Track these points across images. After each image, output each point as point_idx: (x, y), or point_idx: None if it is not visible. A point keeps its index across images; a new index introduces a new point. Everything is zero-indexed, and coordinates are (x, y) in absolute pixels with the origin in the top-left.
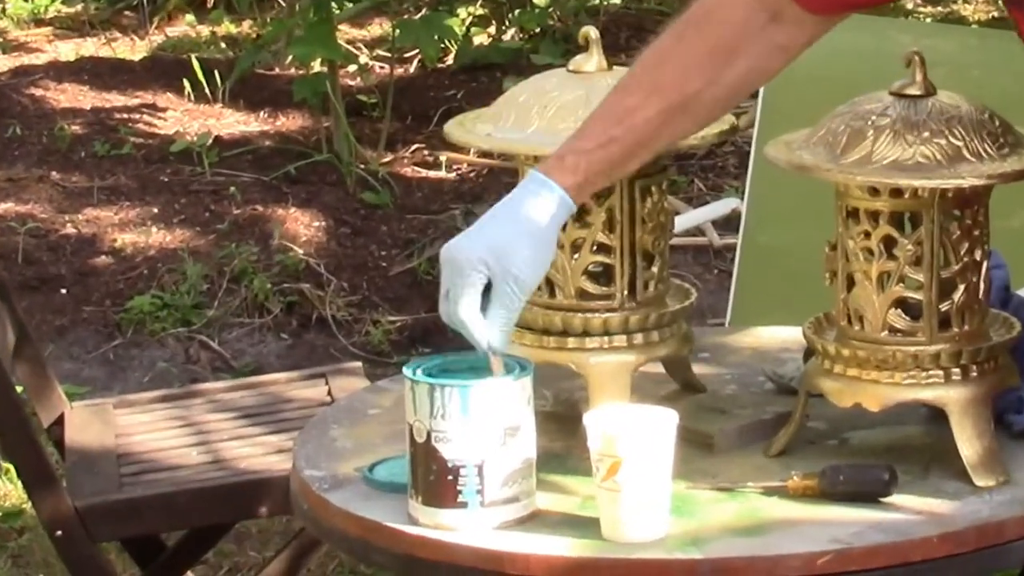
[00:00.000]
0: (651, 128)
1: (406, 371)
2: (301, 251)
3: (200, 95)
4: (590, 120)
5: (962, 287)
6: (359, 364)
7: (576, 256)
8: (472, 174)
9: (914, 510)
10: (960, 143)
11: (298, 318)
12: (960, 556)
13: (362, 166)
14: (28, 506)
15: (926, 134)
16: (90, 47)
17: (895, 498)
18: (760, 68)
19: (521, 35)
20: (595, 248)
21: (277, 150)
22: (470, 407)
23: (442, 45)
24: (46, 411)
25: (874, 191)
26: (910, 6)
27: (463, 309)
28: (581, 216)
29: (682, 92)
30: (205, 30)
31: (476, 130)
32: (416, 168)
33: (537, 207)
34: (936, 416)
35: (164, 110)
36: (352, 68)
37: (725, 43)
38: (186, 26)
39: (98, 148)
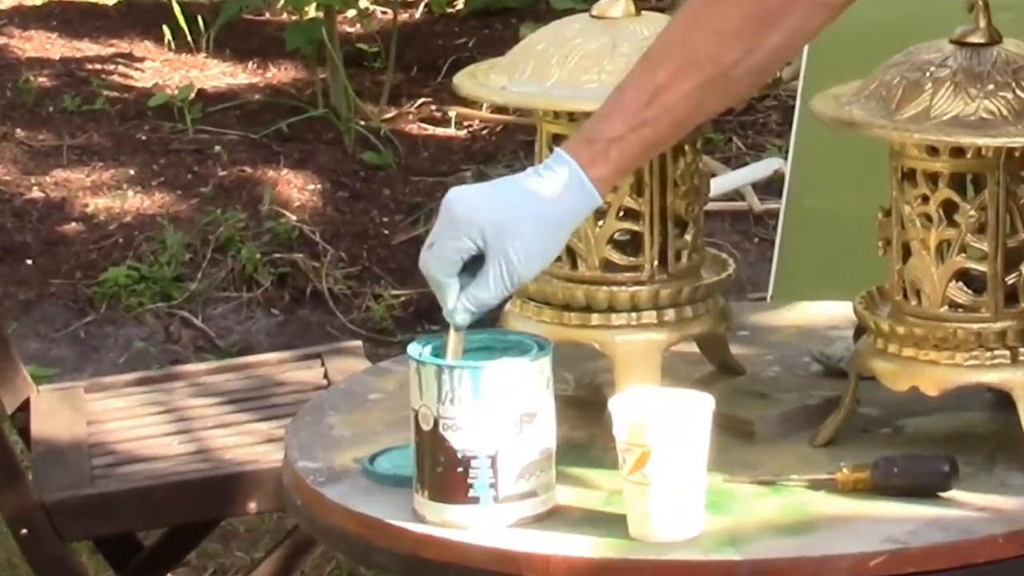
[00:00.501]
0: (685, 107)
1: (411, 351)
2: (294, 217)
3: (181, 44)
4: (618, 97)
5: None
6: (359, 343)
7: (600, 223)
8: (484, 131)
9: (977, 506)
10: None
11: (291, 292)
12: None
13: (362, 123)
14: None
15: (990, 87)
16: None
17: (956, 492)
18: (801, 30)
19: None
20: (621, 214)
21: (267, 105)
22: (482, 391)
23: None
24: (10, 395)
25: (933, 150)
26: None
27: (440, 269)
28: None
29: (718, 64)
30: None
31: (489, 82)
32: (422, 125)
33: (560, 194)
34: (1002, 401)
35: (141, 60)
36: (351, 13)
37: (762, 5)
38: None
39: (68, 103)
